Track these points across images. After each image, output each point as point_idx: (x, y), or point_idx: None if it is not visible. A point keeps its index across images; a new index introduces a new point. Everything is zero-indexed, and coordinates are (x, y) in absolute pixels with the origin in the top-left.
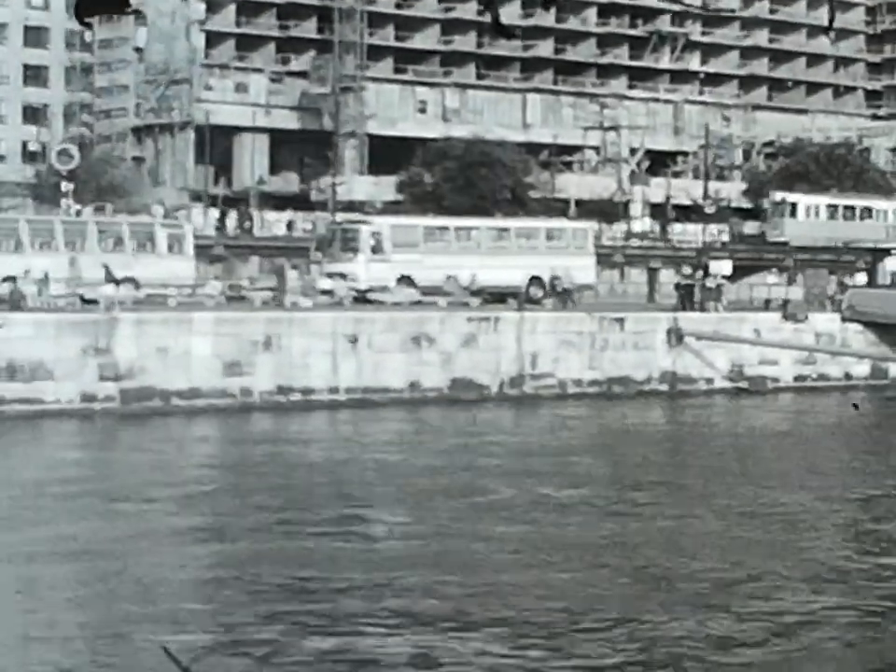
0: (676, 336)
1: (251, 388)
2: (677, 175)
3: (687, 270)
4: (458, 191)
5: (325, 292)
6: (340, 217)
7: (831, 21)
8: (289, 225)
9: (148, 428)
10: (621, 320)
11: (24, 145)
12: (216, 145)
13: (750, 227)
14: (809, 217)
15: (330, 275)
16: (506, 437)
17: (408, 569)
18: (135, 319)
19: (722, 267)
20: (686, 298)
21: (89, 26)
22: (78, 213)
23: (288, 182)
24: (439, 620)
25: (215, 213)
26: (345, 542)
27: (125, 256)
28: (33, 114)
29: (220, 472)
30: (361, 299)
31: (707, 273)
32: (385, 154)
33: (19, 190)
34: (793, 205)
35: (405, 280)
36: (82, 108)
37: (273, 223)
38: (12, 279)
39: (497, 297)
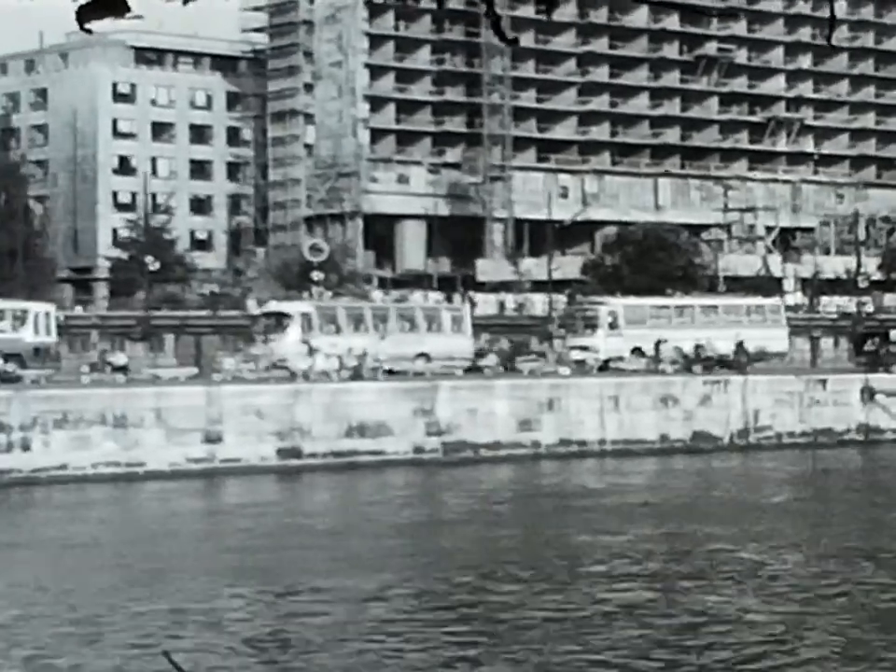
0: (868, 394)
1: (539, 441)
2: (798, 250)
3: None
4: (637, 272)
5: (577, 362)
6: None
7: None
8: (501, 305)
9: (465, 473)
10: (823, 381)
11: (192, 233)
12: (378, 231)
13: (890, 299)
14: None
15: (573, 348)
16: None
17: None
18: (451, 386)
19: None
20: (872, 362)
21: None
22: (331, 298)
23: (441, 264)
24: None
25: (434, 295)
26: None
27: (418, 335)
28: (198, 205)
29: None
30: (602, 367)
31: (889, 341)
32: (531, 236)
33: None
34: None
35: (637, 351)
36: (250, 199)
37: (482, 303)
38: (340, 357)
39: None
